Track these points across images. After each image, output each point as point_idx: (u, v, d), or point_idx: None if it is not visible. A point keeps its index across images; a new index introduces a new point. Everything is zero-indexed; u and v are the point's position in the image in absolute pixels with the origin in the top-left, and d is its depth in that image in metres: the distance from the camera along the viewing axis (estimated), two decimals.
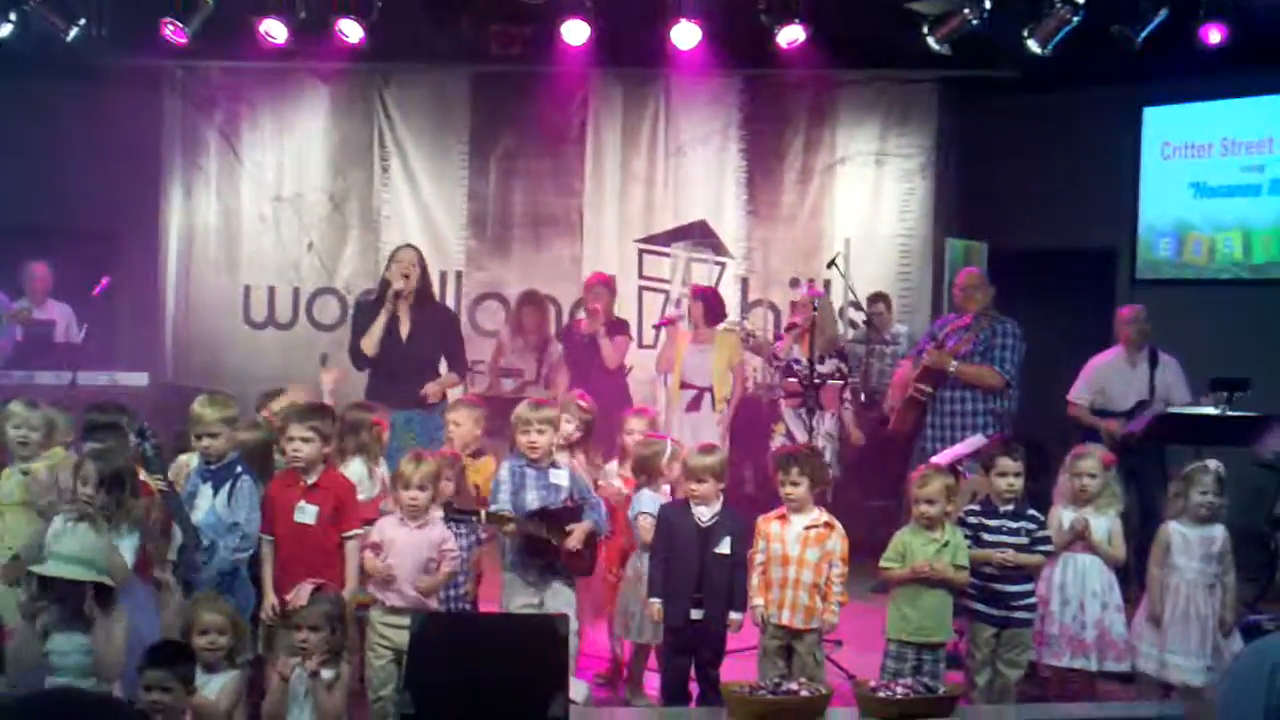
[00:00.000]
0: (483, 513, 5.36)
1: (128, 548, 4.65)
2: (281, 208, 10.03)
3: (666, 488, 5.81)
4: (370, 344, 7.00)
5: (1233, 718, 2.51)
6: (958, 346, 7.42)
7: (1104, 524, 5.74)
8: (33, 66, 8.93)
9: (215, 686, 4.24)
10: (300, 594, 4.61)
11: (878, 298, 9.52)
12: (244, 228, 10.05)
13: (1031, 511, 5.64)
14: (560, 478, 5.55)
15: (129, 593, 4.63)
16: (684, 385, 8.32)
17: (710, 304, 8.37)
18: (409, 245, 7.50)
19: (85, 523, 4.55)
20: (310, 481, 5.19)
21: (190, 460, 5.40)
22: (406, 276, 7.05)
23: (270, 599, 5.03)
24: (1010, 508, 5.62)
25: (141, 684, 3.94)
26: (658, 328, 8.55)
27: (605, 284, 8.51)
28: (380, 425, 6.23)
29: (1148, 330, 7.81)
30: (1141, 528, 6.41)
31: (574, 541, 5.43)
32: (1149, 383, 7.57)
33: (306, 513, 5.12)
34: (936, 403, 7.46)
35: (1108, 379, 7.77)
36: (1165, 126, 9.77)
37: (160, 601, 4.96)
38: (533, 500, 5.47)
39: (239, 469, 5.17)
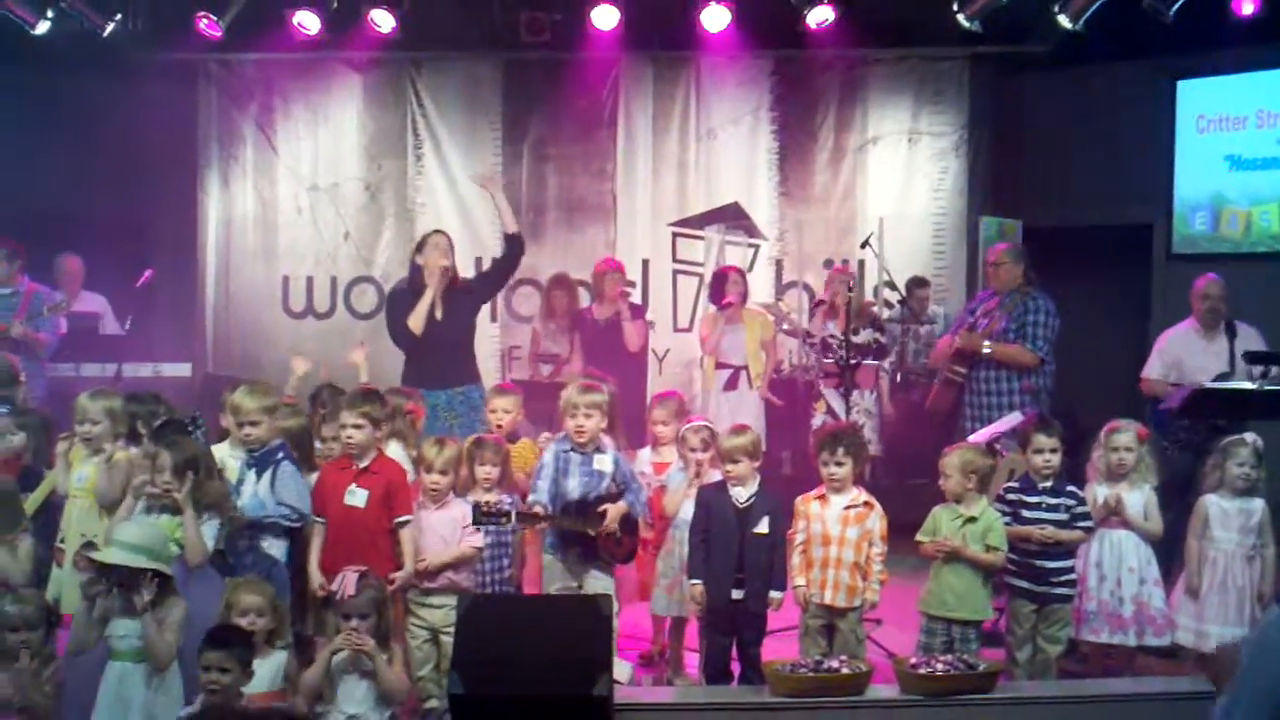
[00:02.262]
0: (512, 514, 5.24)
1: (208, 531, 4.79)
2: (318, 197, 10.12)
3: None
4: (418, 322, 7.05)
5: (1254, 681, 2.52)
6: (991, 325, 7.36)
7: (1139, 498, 5.74)
8: (70, 61, 9.04)
9: (266, 674, 4.32)
10: (348, 583, 4.63)
11: (917, 282, 9.50)
12: (281, 218, 10.15)
13: (1070, 488, 5.65)
14: (604, 463, 5.55)
15: (204, 577, 4.74)
16: (719, 365, 8.40)
17: (747, 282, 8.65)
18: (439, 230, 7.50)
19: (165, 513, 4.69)
20: (362, 465, 5.27)
21: (225, 451, 5.43)
22: (446, 261, 7.08)
23: (317, 579, 5.11)
24: (1049, 484, 5.63)
25: (200, 665, 4.04)
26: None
27: (618, 269, 8.55)
28: (416, 413, 6.31)
29: (1220, 309, 7.55)
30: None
31: (608, 522, 5.42)
32: (1229, 356, 7.38)
33: (357, 496, 5.20)
34: (973, 382, 7.41)
35: (1181, 352, 7.60)
36: (1199, 100, 9.68)
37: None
38: (574, 488, 5.48)
39: (280, 454, 5.26)
